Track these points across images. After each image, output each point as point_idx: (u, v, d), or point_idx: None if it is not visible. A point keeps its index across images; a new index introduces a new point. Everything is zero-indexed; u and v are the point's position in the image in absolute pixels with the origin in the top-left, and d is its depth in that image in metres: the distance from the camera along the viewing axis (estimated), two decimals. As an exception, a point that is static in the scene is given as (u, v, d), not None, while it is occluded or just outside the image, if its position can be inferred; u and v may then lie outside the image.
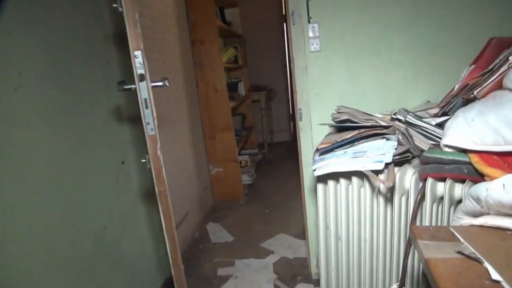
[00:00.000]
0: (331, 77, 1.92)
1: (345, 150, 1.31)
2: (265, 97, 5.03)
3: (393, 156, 1.20)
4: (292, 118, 5.86)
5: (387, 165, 1.18)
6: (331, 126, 1.68)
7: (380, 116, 1.54)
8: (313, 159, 1.41)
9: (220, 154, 3.48)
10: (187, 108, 3.04)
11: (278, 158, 5.13)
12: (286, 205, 3.45)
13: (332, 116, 1.56)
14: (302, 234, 2.75)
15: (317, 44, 1.88)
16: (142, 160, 1.27)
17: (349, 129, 1.40)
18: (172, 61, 2.76)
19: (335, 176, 1.33)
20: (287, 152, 5.41)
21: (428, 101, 1.85)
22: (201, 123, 3.42)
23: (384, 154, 1.21)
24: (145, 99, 1.18)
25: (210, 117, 3.39)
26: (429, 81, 1.85)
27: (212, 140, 3.45)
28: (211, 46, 3.25)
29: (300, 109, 1.95)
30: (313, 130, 1.98)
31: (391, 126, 1.31)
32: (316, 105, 1.94)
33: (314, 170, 1.31)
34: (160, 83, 1.26)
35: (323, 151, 1.33)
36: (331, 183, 1.37)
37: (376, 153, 1.23)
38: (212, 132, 3.43)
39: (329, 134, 1.59)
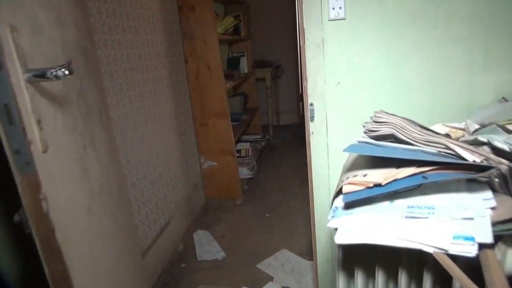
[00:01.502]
0: (359, 58, 1.31)
1: (393, 200, 0.73)
2: (271, 74, 4.39)
3: (492, 224, 0.62)
4: (301, 98, 5.22)
5: (482, 246, 0.60)
6: (362, 142, 1.08)
7: (442, 129, 0.94)
8: (332, 205, 0.82)
9: (214, 145, 2.91)
10: (170, 89, 2.45)
11: (284, 145, 4.55)
12: (291, 207, 2.90)
13: (364, 126, 0.97)
14: (308, 250, 2.22)
15: (340, 8, 1.26)
16: (15, 218, 0.71)
17: (394, 153, 0.81)
18: (148, 30, 2.15)
19: (371, 252, 0.76)
20: (295, 136, 4.83)
21: (503, 98, 1.24)
22: (191, 107, 2.83)
23: (472, 218, 0.63)
24: (6, 105, 0.61)
25: (201, 100, 2.80)
26: (507, 68, 1.23)
27: (204, 128, 2.87)
28: (203, 13, 2.61)
29: (311, 105, 1.36)
30: (330, 137, 1.39)
31: (487, 161, 0.71)
32: (335, 100, 1.35)
33: (335, 229, 0.74)
34: (52, 73, 0.68)
35: (352, 200, 0.74)
36: (360, 271, 0.79)
37: (454, 213, 0.65)
38: (204, 118, 2.85)
39: (358, 156, 1.00)
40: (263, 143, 4.19)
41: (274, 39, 5.05)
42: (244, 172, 3.38)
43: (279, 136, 4.90)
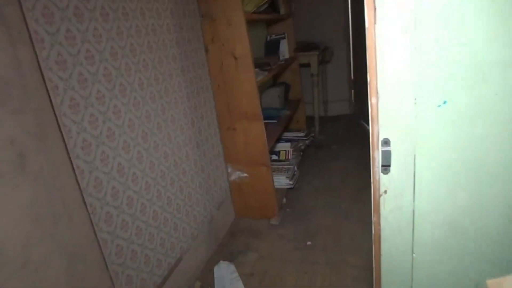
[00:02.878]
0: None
1: None
2: (318, 59, 3.70)
3: None
4: (354, 85, 4.48)
5: None
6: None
7: None
8: None
9: (244, 153, 2.34)
10: (184, 89, 1.90)
11: (333, 142, 3.88)
12: (341, 233, 2.28)
13: None
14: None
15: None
16: None
17: None
18: (147, 13, 1.60)
19: None
20: (346, 131, 4.13)
21: None
22: (214, 107, 2.27)
23: None
24: None
25: (227, 99, 2.23)
26: None
27: (231, 132, 2.31)
28: (227, -14, 2.01)
29: (385, 143, 0.74)
30: (419, 202, 0.76)
31: None
32: (435, 134, 0.71)
33: None
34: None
35: None
36: None
37: None
38: (231, 120, 2.28)
39: None
40: (307, 142, 3.55)
41: (321, 16, 4.31)
42: (282, 181, 2.79)
43: (327, 131, 4.23)
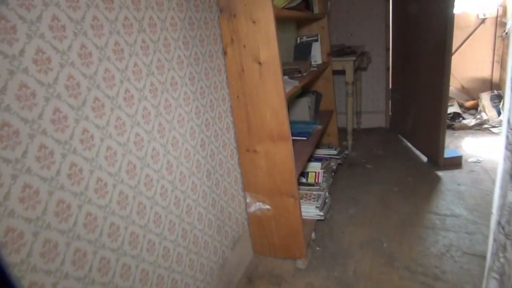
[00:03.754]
0: None
1: None
2: (354, 65, 3.23)
3: None
4: (392, 95, 3.96)
5: None
6: None
7: None
8: None
9: (266, 180, 1.90)
10: (192, 102, 1.49)
11: (368, 160, 3.38)
12: (385, 284, 1.80)
13: None
14: None
15: None
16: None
17: None
18: (143, 3, 1.18)
19: None
20: (382, 147, 3.62)
21: None
22: (232, 124, 1.85)
23: None
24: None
25: (247, 114, 1.79)
26: None
27: (252, 155, 1.87)
28: (253, -28, 1.58)
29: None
30: None
31: None
32: None
33: None
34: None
35: None
36: None
37: None
38: (251, 141, 1.84)
39: None
40: (339, 160, 3.07)
41: (359, 18, 3.83)
42: (311, 212, 2.33)
43: (360, 146, 3.73)
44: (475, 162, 3.16)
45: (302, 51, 2.97)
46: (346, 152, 3.32)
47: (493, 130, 3.76)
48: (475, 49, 4.02)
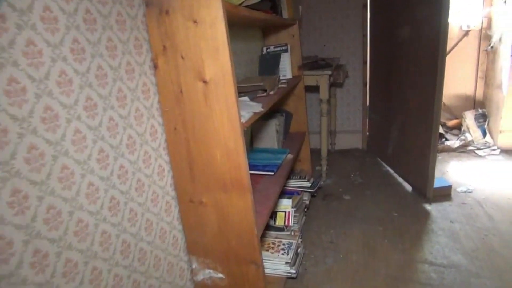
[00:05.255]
0: None
1: None
2: (329, 80, 2.78)
3: None
4: (370, 112, 3.56)
5: None
6: None
7: None
8: None
9: (218, 241, 1.37)
10: (92, 138, 0.94)
11: (345, 189, 2.93)
12: None
13: None
14: None
15: None
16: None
17: None
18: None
19: None
20: (360, 173, 3.18)
21: None
22: (168, 166, 1.31)
23: None
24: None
25: (189, 152, 1.27)
26: None
27: (197, 207, 1.34)
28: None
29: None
30: None
31: None
32: None
33: None
34: None
35: None
36: None
37: None
38: (195, 188, 1.31)
39: None
40: (313, 193, 2.59)
41: (333, 25, 3.41)
42: (279, 268, 1.82)
43: (336, 171, 3.28)
44: (465, 192, 2.77)
45: (269, 64, 2.49)
46: (321, 183, 2.84)
47: (479, 152, 3.43)
48: (457, 64, 3.70)
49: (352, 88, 3.56)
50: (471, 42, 3.64)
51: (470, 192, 2.77)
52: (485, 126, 3.56)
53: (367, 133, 3.66)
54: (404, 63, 2.74)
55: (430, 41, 2.33)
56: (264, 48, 2.59)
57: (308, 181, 2.51)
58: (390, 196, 2.79)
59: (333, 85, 3.40)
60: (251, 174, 1.96)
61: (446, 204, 2.63)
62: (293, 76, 2.57)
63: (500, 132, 3.39)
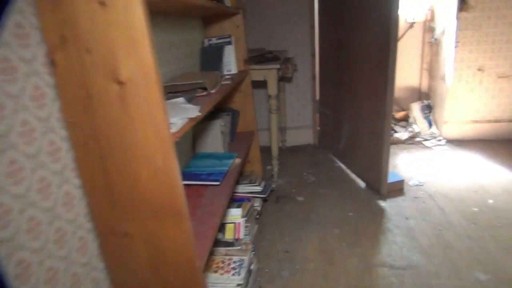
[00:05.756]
0: None
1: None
2: (278, 74, 2.60)
3: None
4: (320, 106, 3.43)
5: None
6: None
7: None
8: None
9: (151, 280, 1.11)
10: None
11: (298, 189, 2.77)
12: None
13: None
14: None
15: None
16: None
17: None
18: None
19: None
20: (313, 170, 3.05)
21: None
22: (80, 191, 1.02)
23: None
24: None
25: (106, 173, 0.99)
26: None
27: (121, 240, 1.07)
28: None
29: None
30: None
31: None
32: None
33: None
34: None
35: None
36: None
37: None
38: (117, 217, 1.04)
39: None
40: (265, 197, 2.39)
41: (280, 16, 3.22)
42: (231, 291, 1.60)
43: (288, 170, 3.12)
44: (417, 185, 2.74)
45: (211, 58, 2.23)
46: (273, 186, 2.66)
47: (426, 143, 3.44)
48: (403, 56, 3.69)
49: (301, 82, 3.41)
50: (416, 34, 3.64)
51: (421, 185, 2.73)
52: (431, 117, 3.59)
53: (318, 129, 3.54)
54: (354, 55, 2.62)
55: (381, 33, 2.21)
56: (206, 40, 2.33)
57: (259, 185, 2.31)
58: (345, 194, 2.68)
59: (282, 79, 3.23)
60: (193, 185, 1.71)
61: (399, 199, 2.56)
62: (238, 71, 2.34)
63: (445, 123, 3.43)
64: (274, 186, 2.68)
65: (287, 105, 3.47)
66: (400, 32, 3.63)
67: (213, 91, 1.63)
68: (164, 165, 0.97)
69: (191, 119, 1.12)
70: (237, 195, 2.23)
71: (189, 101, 1.39)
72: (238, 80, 2.17)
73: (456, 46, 3.18)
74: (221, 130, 2.06)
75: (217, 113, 2.19)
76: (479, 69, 3.24)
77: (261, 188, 2.30)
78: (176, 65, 1.86)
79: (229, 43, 2.28)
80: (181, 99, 1.33)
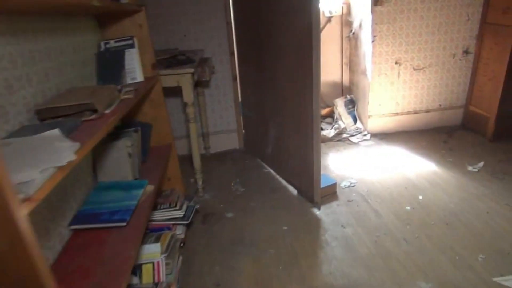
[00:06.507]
0: None
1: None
2: (193, 79, 2.29)
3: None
4: (243, 108, 3.20)
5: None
6: None
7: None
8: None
9: None
10: None
11: (227, 203, 2.51)
12: None
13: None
14: None
15: None
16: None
17: None
18: None
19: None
20: (242, 178, 2.80)
21: None
22: None
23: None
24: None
25: None
26: None
27: None
28: None
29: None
30: None
31: None
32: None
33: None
34: None
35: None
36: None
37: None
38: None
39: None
40: (187, 222, 2.08)
41: (193, 11, 2.89)
42: None
43: (214, 181, 2.84)
44: (349, 186, 2.64)
45: (110, 65, 1.85)
46: (197, 206, 2.35)
47: (352, 139, 3.40)
48: (324, 51, 3.60)
49: (222, 83, 3.14)
50: (334, 28, 3.56)
51: (353, 186, 2.65)
52: (355, 112, 3.56)
53: (243, 131, 3.30)
54: (275, 52, 2.42)
55: (302, 28, 2.02)
56: (102, 44, 1.93)
57: (180, 208, 1.99)
58: (277, 204, 2.48)
59: (199, 84, 2.91)
60: (92, 229, 1.35)
61: (334, 204, 2.44)
62: (145, 78, 1.99)
63: (369, 117, 3.42)
64: (198, 206, 2.37)
65: (208, 108, 3.18)
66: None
67: (107, 111, 1.28)
68: (13, 251, 0.63)
69: (60, 168, 0.77)
70: (155, 224, 1.89)
71: (70, 132, 1.03)
72: (145, 89, 1.82)
73: (373, 40, 3.15)
74: (128, 152, 1.70)
75: (122, 132, 1.82)
76: (396, 62, 3.26)
77: (183, 212, 1.98)
78: (62, 77, 1.45)
79: (131, 45, 1.92)
80: (55, 132, 0.97)
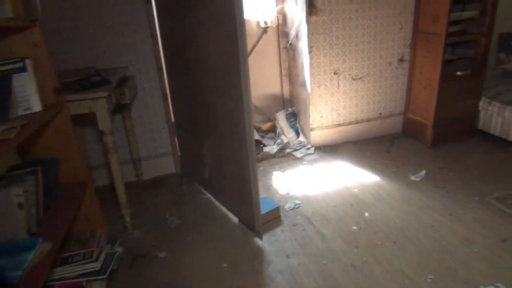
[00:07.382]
0: None
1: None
2: (110, 103, 1.99)
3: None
4: (177, 128, 2.93)
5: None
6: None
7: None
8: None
9: None
10: None
11: (161, 241, 2.22)
12: None
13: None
14: None
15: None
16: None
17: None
18: None
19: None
20: (179, 209, 2.52)
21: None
22: None
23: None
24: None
25: None
26: None
27: None
28: None
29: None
30: None
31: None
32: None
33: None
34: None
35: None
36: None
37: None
38: None
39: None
40: (105, 276, 1.77)
41: (113, 24, 2.59)
42: None
43: (147, 214, 2.53)
44: (293, 208, 2.47)
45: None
46: (119, 250, 2.04)
47: (296, 154, 3.25)
48: (261, 63, 3.44)
49: (151, 102, 2.84)
50: (271, 40, 3.41)
51: (298, 207, 2.48)
52: (297, 125, 3.43)
53: (179, 154, 3.03)
54: (203, 67, 2.19)
55: (227, 39, 1.81)
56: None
57: (96, 259, 1.68)
58: (216, 237, 2.24)
59: (121, 107, 2.60)
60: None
61: (278, 230, 2.25)
62: (46, 106, 1.67)
63: (312, 129, 3.29)
64: (120, 251, 2.05)
65: (138, 131, 2.87)
66: (255, 39, 3.36)
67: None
68: None
69: None
70: (61, 285, 1.56)
71: None
72: (43, 121, 1.50)
73: (310, 51, 3.03)
74: (19, 202, 1.38)
75: (11, 176, 1.48)
76: (335, 73, 3.17)
77: (99, 264, 1.67)
78: None
79: (22, 69, 1.59)
80: None
